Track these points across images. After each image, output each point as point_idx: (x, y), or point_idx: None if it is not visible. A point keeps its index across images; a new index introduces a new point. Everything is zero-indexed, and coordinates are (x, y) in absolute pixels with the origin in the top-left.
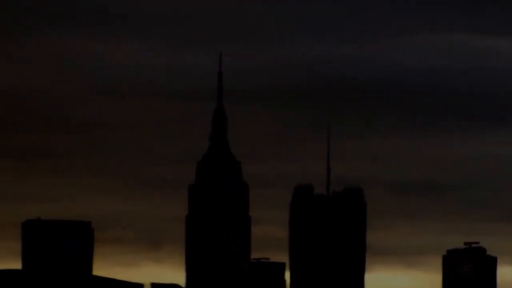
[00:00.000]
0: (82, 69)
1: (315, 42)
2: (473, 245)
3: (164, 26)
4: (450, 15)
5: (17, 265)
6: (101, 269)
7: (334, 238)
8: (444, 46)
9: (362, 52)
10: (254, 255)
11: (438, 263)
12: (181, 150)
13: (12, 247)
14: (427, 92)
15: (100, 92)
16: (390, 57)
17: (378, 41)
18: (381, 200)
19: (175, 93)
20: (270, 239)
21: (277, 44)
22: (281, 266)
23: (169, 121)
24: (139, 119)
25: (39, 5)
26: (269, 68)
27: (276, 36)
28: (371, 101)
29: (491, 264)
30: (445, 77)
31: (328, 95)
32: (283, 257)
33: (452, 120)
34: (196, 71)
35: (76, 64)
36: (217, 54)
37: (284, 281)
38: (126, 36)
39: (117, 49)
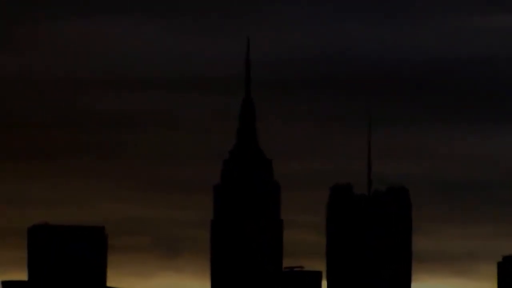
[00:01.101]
0: (94, 55)
1: (351, 28)
2: None
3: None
4: None
5: (22, 275)
6: (116, 279)
7: (376, 244)
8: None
9: (404, 37)
10: (287, 263)
11: (492, 270)
12: (204, 146)
13: (17, 255)
14: (481, 84)
15: (112, 82)
16: (435, 44)
17: (421, 26)
18: (428, 201)
19: (196, 82)
20: (304, 245)
21: (312, 31)
22: (317, 275)
23: (190, 114)
24: (156, 111)
25: None
26: (303, 56)
27: (310, 21)
28: (416, 91)
29: None
30: (495, 68)
31: (368, 85)
32: (319, 265)
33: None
34: (220, 58)
35: (89, 50)
36: (244, 40)
37: None
38: (146, 20)
39: (136, 34)
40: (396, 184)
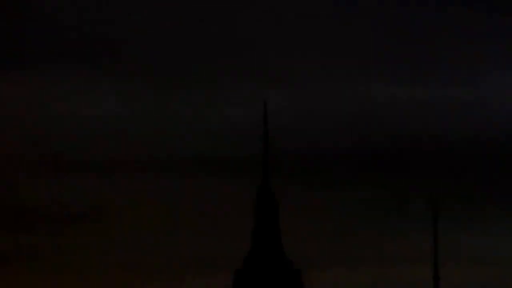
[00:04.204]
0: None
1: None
2: None
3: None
4: None
5: None
6: None
7: None
8: None
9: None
10: None
11: None
12: (209, 252)
13: None
14: None
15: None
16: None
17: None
18: None
19: (187, 166)
20: None
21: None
22: None
23: (189, 211)
24: (140, 204)
25: None
26: (336, 125)
27: (341, 78)
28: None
29: None
30: None
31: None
32: None
33: None
34: (227, 129)
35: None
36: (261, 103)
37: None
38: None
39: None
40: None
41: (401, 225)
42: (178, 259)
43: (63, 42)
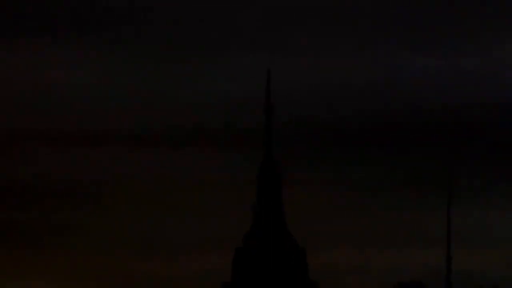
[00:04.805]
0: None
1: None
2: None
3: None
4: None
5: None
6: None
7: None
8: None
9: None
10: None
11: None
12: (205, 230)
13: None
14: None
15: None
16: None
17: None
18: None
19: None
20: None
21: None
22: None
23: (186, 181)
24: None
25: None
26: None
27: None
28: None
29: None
30: None
31: (447, 136)
32: None
33: None
34: (227, 99)
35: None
36: (264, 70)
37: None
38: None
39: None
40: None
41: (412, 203)
42: (178, 237)
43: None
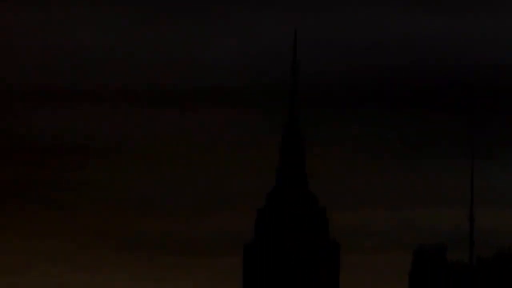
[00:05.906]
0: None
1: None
2: None
3: None
4: None
5: None
6: None
7: None
8: None
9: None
10: None
11: None
12: (230, 191)
13: None
14: None
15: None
16: None
17: None
18: None
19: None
20: None
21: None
22: None
23: (208, 146)
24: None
25: None
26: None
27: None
28: None
29: None
30: None
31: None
32: None
33: None
34: (248, 59)
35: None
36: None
37: None
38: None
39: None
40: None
41: (435, 165)
42: (198, 197)
43: None
